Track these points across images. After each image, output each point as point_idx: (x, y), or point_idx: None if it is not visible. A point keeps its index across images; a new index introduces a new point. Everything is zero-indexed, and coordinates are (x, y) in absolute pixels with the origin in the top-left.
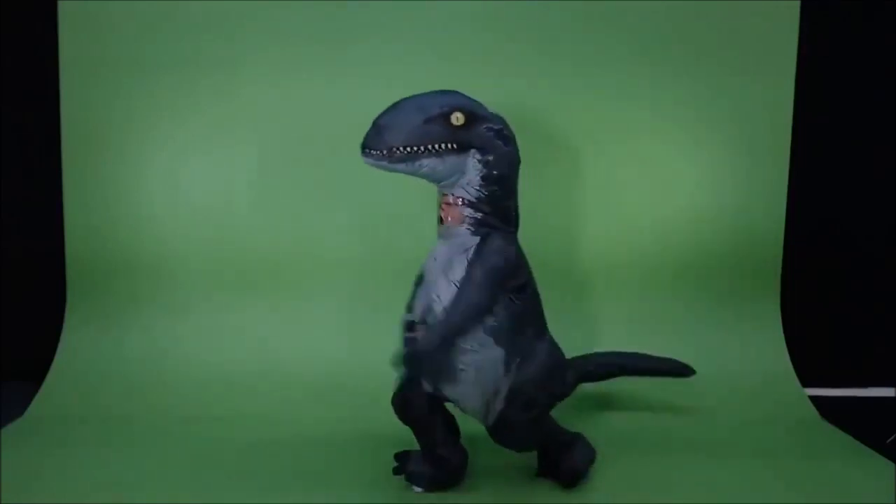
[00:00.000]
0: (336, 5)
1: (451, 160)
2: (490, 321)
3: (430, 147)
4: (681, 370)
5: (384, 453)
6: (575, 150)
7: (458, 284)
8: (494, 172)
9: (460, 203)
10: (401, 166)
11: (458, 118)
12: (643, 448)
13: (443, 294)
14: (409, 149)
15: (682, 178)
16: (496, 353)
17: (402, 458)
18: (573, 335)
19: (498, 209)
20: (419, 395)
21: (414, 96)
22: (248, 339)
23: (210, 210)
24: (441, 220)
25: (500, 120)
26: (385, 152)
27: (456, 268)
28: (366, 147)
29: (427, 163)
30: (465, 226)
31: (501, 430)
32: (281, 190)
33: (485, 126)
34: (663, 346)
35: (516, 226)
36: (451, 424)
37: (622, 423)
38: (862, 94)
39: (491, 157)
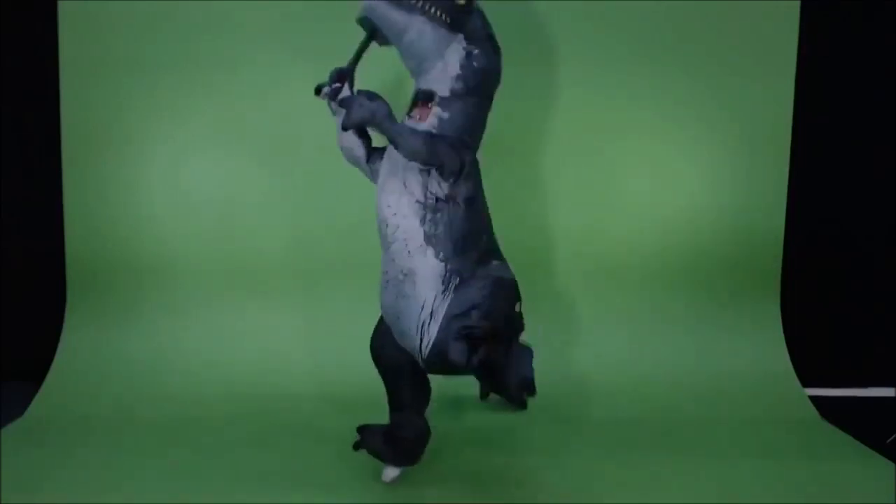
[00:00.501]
0: (336, 5)
1: (440, 34)
2: (431, 228)
3: (428, 7)
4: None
5: None
6: (574, 149)
7: (408, 186)
8: (475, 65)
9: (432, 99)
10: (396, 15)
11: None
12: (643, 448)
13: (393, 200)
14: (418, 3)
15: (682, 178)
16: (434, 265)
17: (363, 431)
18: (572, 335)
19: (468, 118)
20: (391, 342)
21: None
22: (248, 340)
23: (210, 210)
24: (409, 116)
25: (493, 31)
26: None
27: (410, 174)
28: None
29: (419, 24)
30: (430, 125)
31: (436, 360)
32: (281, 190)
33: (481, 23)
34: (663, 346)
35: (478, 144)
36: (421, 387)
37: (621, 423)
38: (862, 94)
39: (476, 50)
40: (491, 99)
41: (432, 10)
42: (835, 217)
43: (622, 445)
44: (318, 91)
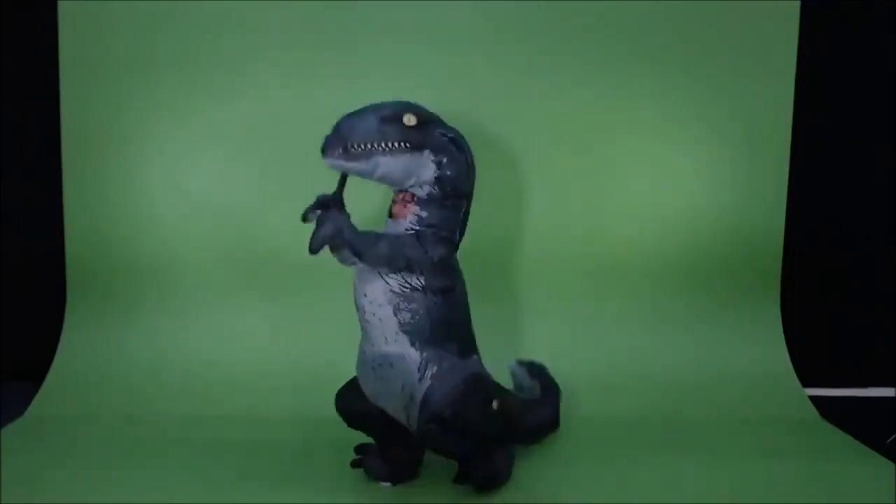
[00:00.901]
0: (337, 5)
1: (405, 160)
2: (406, 317)
3: (383, 145)
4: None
5: None
6: (574, 149)
7: (383, 276)
8: (448, 173)
9: (410, 200)
10: (357, 165)
11: (409, 119)
12: (643, 447)
13: (368, 289)
14: (363, 146)
15: (682, 178)
16: (410, 354)
17: (361, 451)
18: (572, 335)
19: (445, 217)
20: (365, 403)
21: (374, 104)
22: (248, 339)
23: (210, 210)
24: (390, 215)
25: (455, 130)
26: (341, 151)
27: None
28: (325, 148)
29: (383, 161)
30: (409, 223)
31: (420, 439)
32: (281, 190)
33: (438, 130)
34: (663, 346)
35: (459, 238)
36: (396, 424)
37: (621, 423)
38: (862, 94)
39: (444, 159)
40: (469, 196)
41: (388, 144)
42: (835, 217)
43: (622, 445)
44: (304, 218)
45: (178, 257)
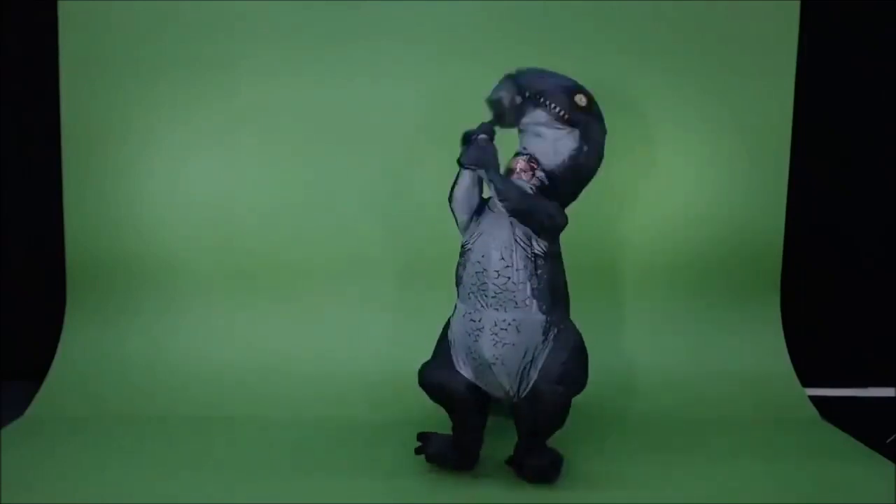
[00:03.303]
0: (336, 5)
1: (558, 132)
2: (535, 283)
3: (552, 107)
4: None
5: (385, 453)
6: None
7: (520, 240)
8: (582, 161)
9: (537, 165)
10: (520, 111)
11: (580, 99)
12: (642, 447)
13: (506, 253)
14: (543, 100)
15: (682, 178)
16: (538, 317)
17: (423, 439)
18: None
19: (561, 189)
20: (458, 379)
21: (554, 72)
22: (248, 339)
23: (210, 210)
24: (509, 172)
25: (605, 128)
26: (516, 91)
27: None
28: (500, 84)
29: (540, 115)
30: (532, 185)
31: (532, 403)
32: (281, 189)
33: (598, 127)
34: (663, 346)
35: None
36: (483, 410)
37: (621, 422)
38: (862, 95)
39: (586, 147)
40: (577, 195)
41: (556, 110)
42: (835, 217)
43: (622, 445)
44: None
45: (178, 257)
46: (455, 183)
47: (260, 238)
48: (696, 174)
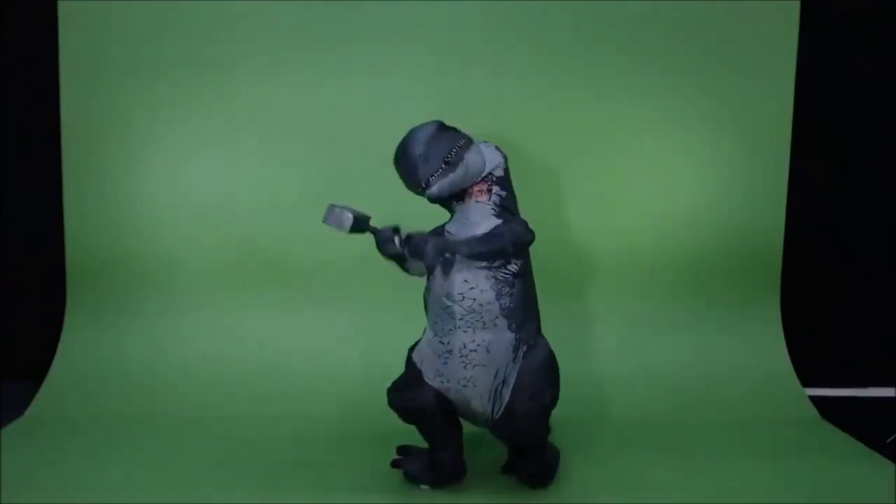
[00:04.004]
0: (336, 5)
1: (477, 150)
2: (506, 302)
3: (460, 143)
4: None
5: (384, 453)
6: (574, 149)
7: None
8: (501, 154)
9: (490, 181)
10: (456, 173)
11: (444, 125)
12: (642, 447)
13: (469, 276)
14: (452, 153)
15: (682, 178)
16: (507, 336)
17: (402, 452)
18: (573, 336)
19: (510, 194)
20: (426, 391)
21: (403, 140)
22: (248, 339)
23: (210, 210)
24: (462, 198)
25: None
26: (441, 169)
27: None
28: (426, 182)
29: (468, 157)
30: (490, 204)
31: (507, 423)
32: (281, 189)
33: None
34: (663, 346)
35: None
36: (454, 424)
37: (621, 423)
38: (862, 94)
39: (490, 143)
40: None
41: (462, 143)
42: (835, 217)
43: (621, 445)
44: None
45: (178, 257)
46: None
47: (260, 238)
48: (696, 174)
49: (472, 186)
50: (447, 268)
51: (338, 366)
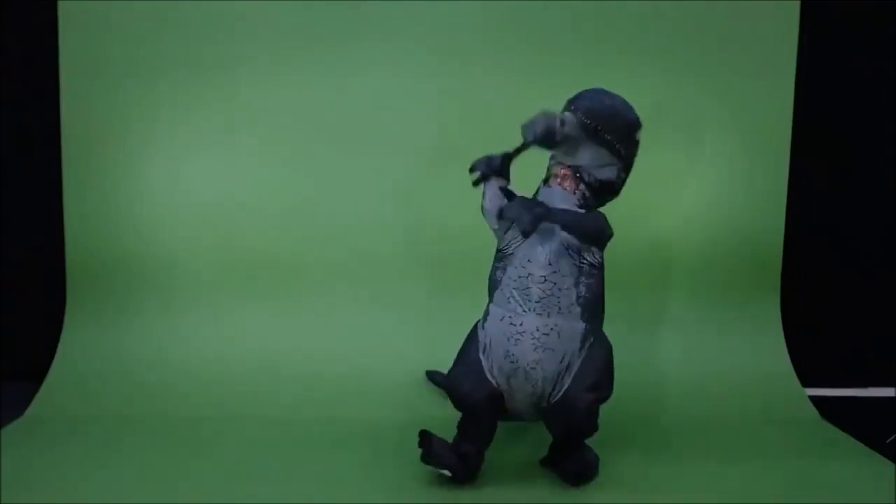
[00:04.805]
0: (336, 5)
1: (607, 158)
2: (583, 290)
3: (607, 137)
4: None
5: (385, 453)
6: None
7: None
8: (620, 183)
9: (579, 176)
10: (578, 139)
11: (639, 135)
12: (643, 448)
13: (554, 259)
14: (608, 137)
15: (682, 179)
16: (578, 325)
17: (425, 438)
18: None
19: (598, 206)
20: (484, 385)
21: (614, 94)
22: (248, 339)
23: (210, 210)
24: (548, 180)
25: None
26: (582, 118)
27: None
28: (568, 106)
29: (594, 150)
30: (577, 199)
31: (562, 410)
32: (281, 189)
33: (634, 148)
34: (663, 346)
35: None
36: (492, 428)
37: (621, 422)
38: (862, 94)
39: (624, 174)
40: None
41: (610, 140)
42: (835, 217)
43: (621, 445)
44: (472, 169)
45: (178, 257)
46: (483, 195)
47: (260, 238)
48: (696, 174)
49: (561, 169)
50: (545, 238)
51: (338, 366)
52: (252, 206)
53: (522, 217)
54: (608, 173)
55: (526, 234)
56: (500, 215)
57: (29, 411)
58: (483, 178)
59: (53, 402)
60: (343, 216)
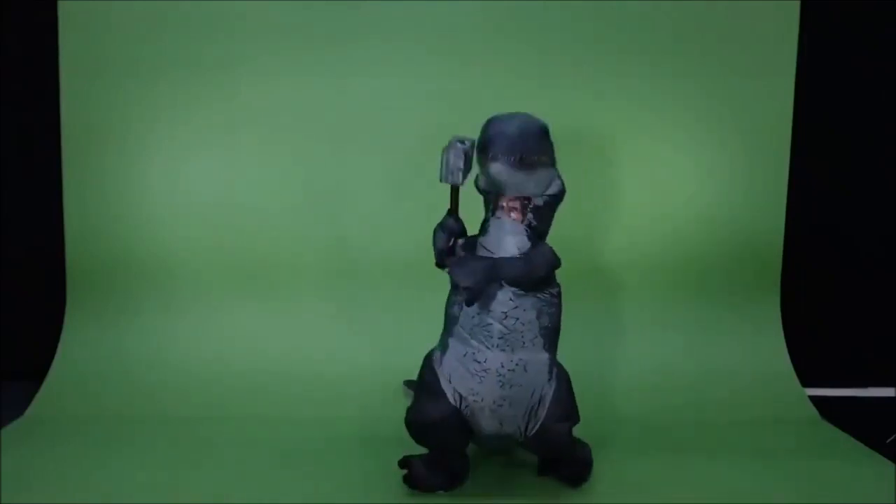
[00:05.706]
0: (336, 5)
1: (549, 174)
2: (545, 321)
3: (544, 158)
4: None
5: (383, 453)
6: (574, 150)
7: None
8: (562, 189)
9: (528, 205)
10: (520, 175)
11: (550, 135)
12: (643, 448)
13: (513, 295)
14: (534, 157)
15: (682, 178)
16: (543, 356)
17: (405, 465)
18: (573, 336)
19: (545, 226)
20: (444, 410)
21: (521, 113)
22: (248, 339)
23: (210, 210)
24: (494, 211)
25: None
26: (516, 159)
27: (511, 245)
28: (496, 155)
29: (541, 174)
30: (525, 226)
31: (541, 440)
32: (281, 189)
33: (551, 138)
34: (663, 346)
35: None
36: (465, 433)
37: (621, 422)
38: (862, 95)
39: (560, 176)
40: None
41: (546, 158)
42: (835, 217)
43: (621, 445)
44: (441, 265)
45: (178, 257)
46: (434, 245)
47: (260, 238)
48: (696, 174)
49: (508, 201)
50: (492, 293)
51: (337, 366)
52: (252, 206)
53: (469, 289)
54: (554, 188)
55: (469, 304)
56: (448, 272)
57: (29, 411)
58: (451, 251)
59: (53, 402)
60: (343, 216)
